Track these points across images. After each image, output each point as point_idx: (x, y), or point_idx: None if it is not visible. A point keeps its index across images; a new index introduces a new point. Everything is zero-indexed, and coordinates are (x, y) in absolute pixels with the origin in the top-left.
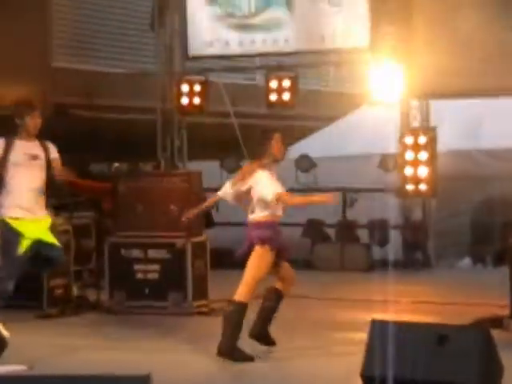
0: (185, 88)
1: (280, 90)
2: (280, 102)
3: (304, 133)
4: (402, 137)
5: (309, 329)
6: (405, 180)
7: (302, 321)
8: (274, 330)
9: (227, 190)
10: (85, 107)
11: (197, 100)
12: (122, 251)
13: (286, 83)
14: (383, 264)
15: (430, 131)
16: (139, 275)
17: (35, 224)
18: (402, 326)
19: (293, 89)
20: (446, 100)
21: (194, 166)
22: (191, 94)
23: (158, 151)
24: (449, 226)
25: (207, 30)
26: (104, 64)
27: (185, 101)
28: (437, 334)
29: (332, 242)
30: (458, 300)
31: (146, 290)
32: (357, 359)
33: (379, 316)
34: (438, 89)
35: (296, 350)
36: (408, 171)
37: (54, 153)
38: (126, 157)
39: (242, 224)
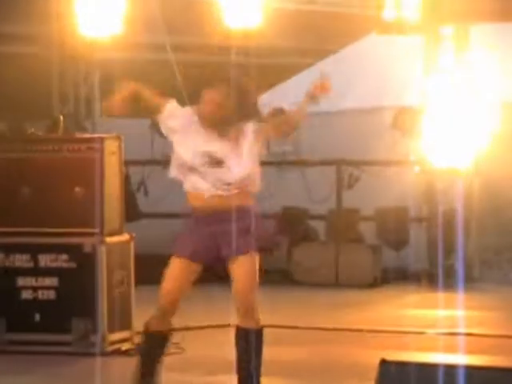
0: None
1: (244, 7)
2: (243, 30)
3: (281, 75)
4: (426, 80)
5: (289, 374)
6: (432, 147)
7: (278, 363)
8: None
9: None
10: None
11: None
12: None
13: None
14: (399, 276)
15: None
16: (26, 294)
17: None
18: (426, 371)
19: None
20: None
21: (110, 126)
22: None
23: (53, 104)
24: (500, 219)
25: None
26: None
27: None
28: (482, 381)
29: (321, 243)
30: None
31: (37, 317)
32: None
33: (392, 355)
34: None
35: None
36: (437, 134)
37: None
38: (2, 113)
39: (183, 215)
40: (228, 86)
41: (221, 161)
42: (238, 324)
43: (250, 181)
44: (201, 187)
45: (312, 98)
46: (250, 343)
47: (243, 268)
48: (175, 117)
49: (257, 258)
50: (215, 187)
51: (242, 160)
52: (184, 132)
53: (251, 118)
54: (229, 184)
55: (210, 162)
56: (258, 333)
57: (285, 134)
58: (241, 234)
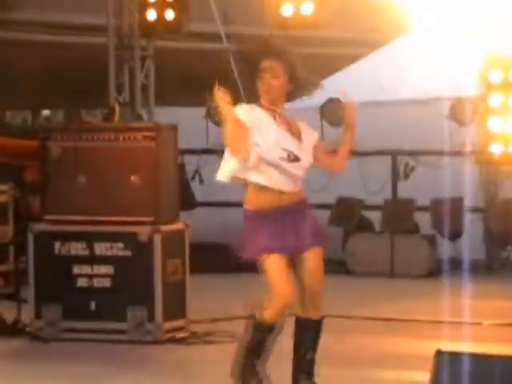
0: None
1: None
2: (297, 19)
3: (334, 66)
4: (484, 71)
5: (345, 363)
6: (489, 138)
7: (335, 353)
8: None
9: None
10: None
11: (170, 14)
12: (56, 246)
13: None
14: (455, 267)
15: None
16: (81, 282)
17: None
18: (481, 362)
19: None
20: None
21: (165, 114)
22: (161, 4)
23: (110, 92)
24: None
25: None
26: None
27: (151, 15)
28: None
29: (376, 233)
30: None
31: (92, 305)
32: None
33: (448, 346)
34: None
35: None
36: (494, 124)
37: None
38: (59, 101)
39: (238, 204)
40: (281, 59)
41: (297, 157)
42: (299, 314)
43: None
44: (278, 181)
45: (351, 127)
46: (310, 333)
47: (314, 261)
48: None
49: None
50: (292, 181)
51: (307, 156)
52: (257, 128)
53: (306, 91)
54: (299, 179)
55: (289, 158)
56: (320, 323)
57: (330, 172)
58: (312, 226)
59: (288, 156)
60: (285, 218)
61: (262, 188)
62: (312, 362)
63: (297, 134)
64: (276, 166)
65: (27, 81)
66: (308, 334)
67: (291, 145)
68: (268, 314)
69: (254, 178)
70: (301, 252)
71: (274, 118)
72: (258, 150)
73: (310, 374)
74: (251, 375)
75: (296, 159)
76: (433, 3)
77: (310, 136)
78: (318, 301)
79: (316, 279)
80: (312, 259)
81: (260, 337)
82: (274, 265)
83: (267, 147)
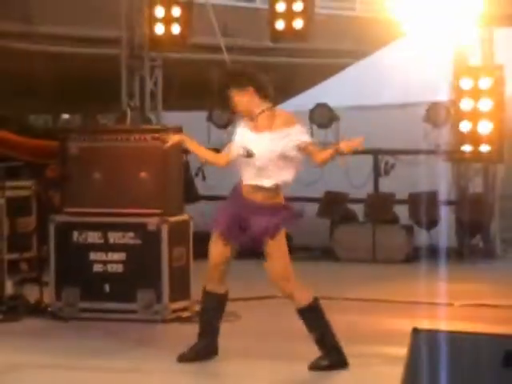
0: (159, 12)
1: (289, 15)
2: (289, 32)
3: (322, 74)
4: (456, 79)
5: None
6: (460, 139)
7: None
8: (289, 342)
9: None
10: (20, 37)
11: (176, 28)
12: (74, 235)
13: (298, 6)
14: (430, 253)
15: (496, 71)
16: (97, 267)
17: None
18: (454, 339)
19: (306, 13)
20: None
21: (171, 118)
22: (168, 19)
23: (122, 98)
24: None
25: None
26: None
27: (160, 29)
28: (503, 350)
29: (359, 223)
30: None
31: (107, 288)
32: (393, 383)
33: (423, 324)
34: None
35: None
36: (465, 126)
37: None
38: (78, 106)
39: None
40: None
41: (251, 153)
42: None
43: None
44: (244, 176)
45: (339, 153)
46: (303, 319)
47: (270, 260)
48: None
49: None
50: (255, 174)
51: (267, 148)
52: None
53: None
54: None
55: (244, 154)
56: (303, 310)
57: (312, 162)
58: (267, 224)
59: (246, 152)
60: (250, 213)
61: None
62: (319, 341)
63: (266, 129)
64: (240, 163)
65: (48, 88)
66: (303, 320)
67: (251, 141)
68: (206, 280)
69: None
70: (254, 248)
71: (251, 125)
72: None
73: (325, 354)
74: (201, 340)
75: (250, 155)
76: (410, 16)
77: (293, 135)
78: (289, 292)
79: (272, 276)
80: (268, 257)
81: (204, 304)
82: (214, 239)
83: (234, 149)
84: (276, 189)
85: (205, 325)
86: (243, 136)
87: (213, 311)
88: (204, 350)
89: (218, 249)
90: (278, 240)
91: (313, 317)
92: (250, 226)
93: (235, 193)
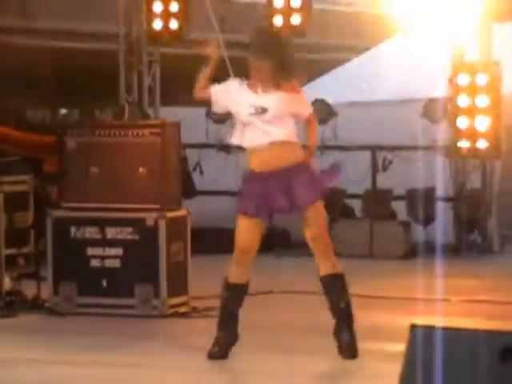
0: (157, 6)
1: (287, 10)
2: (287, 27)
3: (319, 69)
4: (453, 75)
5: (327, 337)
6: (457, 135)
7: (322, 325)
8: (286, 338)
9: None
10: (18, 32)
11: (174, 23)
12: (71, 230)
13: (296, 2)
14: (427, 249)
15: (493, 67)
16: (94, 263)
17: None
18: (451, 334)
19: (304, 9)
20: None
21: (170, 113)
22: (166, 14)
23: (120, 93)
24: None
25: None
26: None
27: (158, 24)
28: (500, 345)
29: (357, 219)
30: None
31: (104, 283)
32: (391, 379)
33: (421, 320)
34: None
35: (312, 367)
36: (462, 122)
37: None
38: (75, 101)
39: (234, 193)
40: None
41: (264, 108)
42: (319, 274)
43: None
44: (253, 139)
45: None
46: (341, 286)
47: (313, 219)
48: (225, 92)
49: None
50: (267, 134)
51: (277, 104)
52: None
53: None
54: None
55: (256, 111)
56: (333, 276)
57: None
58: (306, 186)
59: (256, 110)
60: (274, 182)
61: (252, 151)
62: (344, 311)
63: (272, 89)
64: (248, 124)
65: (46, 83)
66: (332, 286)
67: (259, 100)
68: (230, 269)
69: (241, 142)
70: (297, 211)
71: (255, 90)
72: (236, 114)
73: (349, 326)
74: (224, 330)
75: (263, 111)
76: (408, 12)
77: (300, 100)
78: (326, 253)
79: (316, 233)
80: (310, 218)
81: (227, 295)
82: (241, 224)
83: (240, 109)
84: (290, 141)
85: (227, 315)
86: (246, 97)
87: (234, 302)
88: (227, 341)
89: (246, 235)
90: (316, 206)
91: (343, 285)
92: (288, 194)
93: (249, 178)
